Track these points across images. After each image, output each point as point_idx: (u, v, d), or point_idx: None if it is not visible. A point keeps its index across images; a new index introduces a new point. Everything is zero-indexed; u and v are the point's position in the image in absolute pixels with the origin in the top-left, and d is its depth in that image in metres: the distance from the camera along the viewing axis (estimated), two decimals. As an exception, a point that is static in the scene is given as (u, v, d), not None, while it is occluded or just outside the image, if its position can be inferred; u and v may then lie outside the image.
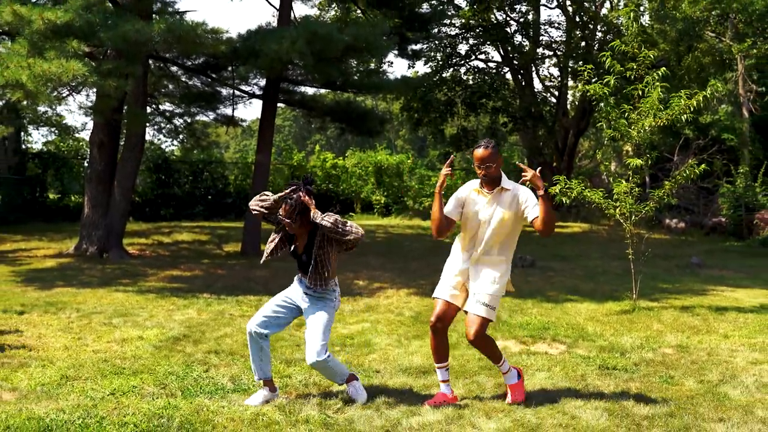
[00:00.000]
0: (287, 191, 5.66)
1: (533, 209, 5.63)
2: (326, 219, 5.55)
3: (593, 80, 11.21)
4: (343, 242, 5.64)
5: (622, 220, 11.01)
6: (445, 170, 5.70)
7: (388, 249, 18.09)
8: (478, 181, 5.85)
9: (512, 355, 7.51)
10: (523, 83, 28.82)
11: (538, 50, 28.90)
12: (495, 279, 5.74)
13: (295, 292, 5.92)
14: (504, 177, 5.80)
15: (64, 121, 31.88)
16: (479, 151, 5.72)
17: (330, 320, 5.78)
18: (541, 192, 5.49)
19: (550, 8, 29.20)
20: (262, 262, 6.05)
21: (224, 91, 20.95)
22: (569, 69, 27.42)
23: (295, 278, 5.99)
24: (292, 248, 5.90)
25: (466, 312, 5.80)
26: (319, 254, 5.70)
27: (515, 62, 28.60)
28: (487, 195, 5.75)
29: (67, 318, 9.22)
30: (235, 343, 8.04)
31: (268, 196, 5.69)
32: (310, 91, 20.63)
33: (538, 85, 30.06)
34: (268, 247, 5.93)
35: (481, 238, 5.76)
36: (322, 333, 5.64)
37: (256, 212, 5.72)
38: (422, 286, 12.40)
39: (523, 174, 5.57)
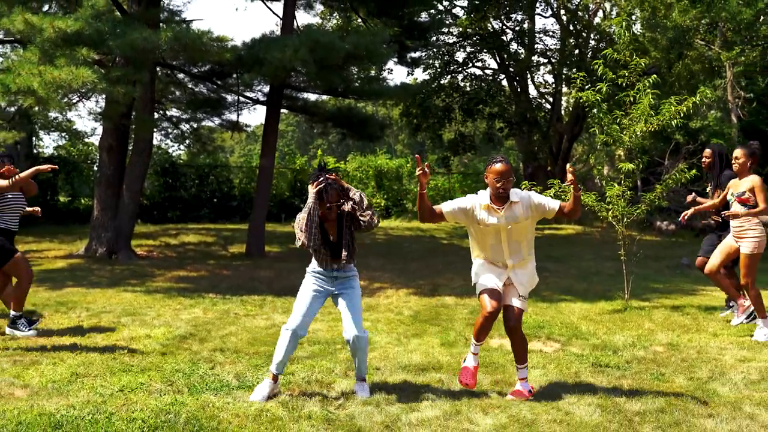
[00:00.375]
0: (320, 181, 5.70)
1: (551, 201, 5.84)
2: (358, 193, 5.83)
3: (586, 87, 11.20)
4: (357, 219, 5.77)
5: (614, 223, 11.02)
6: (418, 171, 5.65)
7: (387, 250, 18.09)
8: (486, 195, 5.83)
9: (508, 352, 7.51)
10: (519, 90, 28.81)
11: (533, 58, 28.90)
12: (530, 277, 6.02)
13: (321, 282, 5.96)
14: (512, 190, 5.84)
15: (74, 127, 31.85)
16: (499, 166, 5.72)
17: (360, 298, 6.02)
18: (578, 192, 5.69)
19: (545, 17, 29.35)
20: (301, 245, 5.84)
21: (229, 98, 21.00)
22: (563, 76, 27.41)
23: (314, 271, 6.00)
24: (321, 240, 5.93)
25: (506, 305, 5.91)
26: (348, 233, 5.87)
27: (511, 69, 28.60)
28: (499, 211, 5.75)
29: (77, 317, 9.25)
30: (240, 341, 8.05)
31: (300, 214, 5.80)
32: (312, 97, 20.68)
33: (533, 91, 30.05)
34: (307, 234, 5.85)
35: (509, 252, 5.86)
36: (360, 310, 5.91)
37: (305, 234, 5.76)
38: (421, 287, 12.41)
39: (569, 179, 5.61)
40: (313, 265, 6.00)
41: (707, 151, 9.84)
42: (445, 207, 5.89)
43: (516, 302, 5.86)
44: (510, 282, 5.90)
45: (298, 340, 5.85)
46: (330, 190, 5.70)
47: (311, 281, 5.98)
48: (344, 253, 5.87)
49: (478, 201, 5.85)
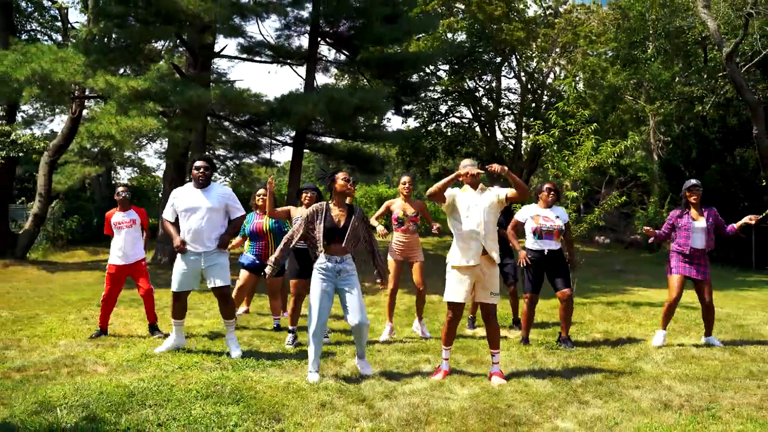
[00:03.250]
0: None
1: (504, 191, 5.62)
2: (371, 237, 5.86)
3: (541, 132, 11.27)
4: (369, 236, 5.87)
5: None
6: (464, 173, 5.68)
7: (387, 259, 18.08)
8: (464, 186, 5.76)
9: (481, 338, 7.53)
10: (489, 134, 28.93)
11: (499, 110, 29.06)
12: (498, 271, 5.71)
13: (327, 279, 5.61)
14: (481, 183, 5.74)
15: (143, 163, 32.09)
16: (465, 161, 5.77)
17: (359, 288, 5.72)
18: (512, 174, 5.40)
19: (509, 78, 29.50)
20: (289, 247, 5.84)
21: (264, 140, 21.07)
22: (523, 124, 27.58)
23: (320, 267, 5.63)
24: (327, 226, 5.64)
25: (482, 303, 5.69)
26: (354, 227, 5.69)
27: (482, 118, 28.74)
28: (473, 192, 5.67)
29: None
30: (273, 329, 8.06)
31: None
32: (328, 140, 20.71)
33: (499, 136, 30.21)
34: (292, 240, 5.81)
35: (482, 225, 5.57)
36: (360, 298, 5.63)
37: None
38: (413, 287, 12.36)
39: (492, 170, 5.38)
40: (320, 260, 5.64)
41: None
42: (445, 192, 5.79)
43: (492, 299, 5.64)
44: (482, 273, 5.61)
45: (320, 338, 5.60)
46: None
47: (319, 280, 5.61)
48: (346, 240, 5.65)
49: (458, 189, 5.76)
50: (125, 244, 7.51)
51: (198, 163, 6.54)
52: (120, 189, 7.76)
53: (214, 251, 6.39)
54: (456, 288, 5.67)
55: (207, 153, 21.02)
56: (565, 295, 7.12)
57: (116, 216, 7.65)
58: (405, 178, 7.86)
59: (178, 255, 6.37)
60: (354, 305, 5.58)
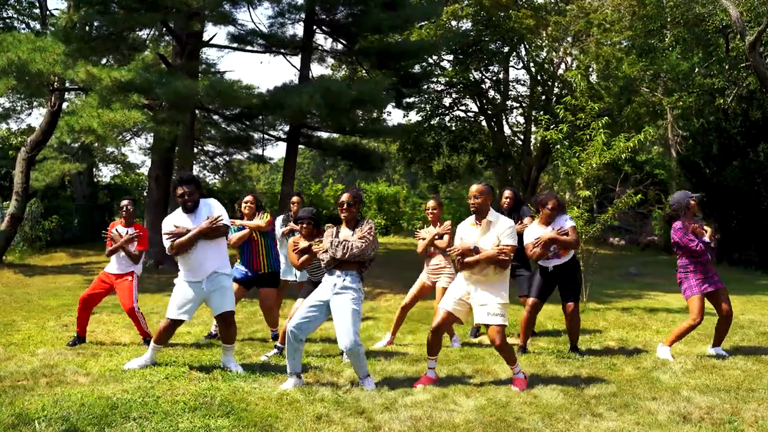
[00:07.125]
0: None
1: (504, 238, 5.63)
2: (359, 242, 5.66)
3: (551, 127, 11.27)
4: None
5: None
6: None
7: (387, 262, 18.06)
8: (473, 217, 5.86)
9: (487, 346, 7.52)
10: (495, 129, 28.91)
11: (507, 103, 29.03)
12: (492, 294, 5.69)
13: (325, 289, 5.71)
14: (492, 211, 5.79)
15: (127, 159, 32.11)
16: (473, 187, 5.79)
17: (357, 310, 5.61)
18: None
19: (517, 69, 29.29)
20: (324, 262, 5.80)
21: (256, 135, 21.05)
22: (532, 118, 27.55)
23: (325, 277, 5.80)
24: (339, 237, 5.76)
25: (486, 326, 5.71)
26: (356, 242, 5.65)
27: (489, 112, 28.71)
28: (478, 226, 5.78)
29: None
30: (265, 336, 8.07)
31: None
32: (324, 135, 20.69)
33: (507, 130, 30.17)
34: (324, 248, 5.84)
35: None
36: (352, 320, 5.51)
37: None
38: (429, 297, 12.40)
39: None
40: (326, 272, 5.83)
41: (508, 193, 8.50)
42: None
43: (490, 320, 5.64)
44: (472, 298, 5.76)
45: (293, 342, 5.59)
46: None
47: (318, 288, 5.81)
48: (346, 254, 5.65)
49: (467, 221, 5.90)
50: (118, 255, 7.61)
51: (179, 190, 6.23)
52: (124, 201, 7.85)
53: (216, 274, 6.27)
54: (449, 290, 6.00)
55: (195, 148, 20.99)
56: (569, 308, 7.24)
57: (118, 230, 7.74)
58: (429, 203, 7.78)
59: (179, 281, 6.28)
60: (340, 328, 5.53)
